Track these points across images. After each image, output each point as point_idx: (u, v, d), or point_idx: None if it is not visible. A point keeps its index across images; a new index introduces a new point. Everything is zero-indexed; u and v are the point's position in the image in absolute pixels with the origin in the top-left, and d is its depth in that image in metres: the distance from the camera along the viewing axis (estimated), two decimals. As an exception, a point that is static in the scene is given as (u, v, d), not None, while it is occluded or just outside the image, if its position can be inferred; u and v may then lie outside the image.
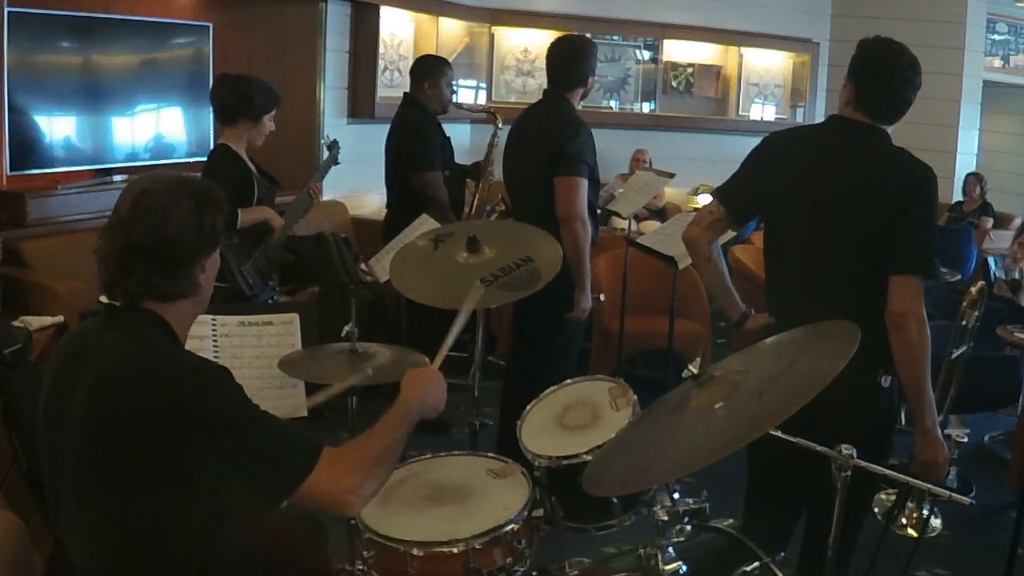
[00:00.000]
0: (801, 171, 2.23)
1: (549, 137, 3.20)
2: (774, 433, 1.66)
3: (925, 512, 2.01)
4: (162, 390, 1.45)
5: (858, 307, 2.02)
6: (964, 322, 2.66)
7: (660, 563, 1.73)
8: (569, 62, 3.28)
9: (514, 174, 3.49)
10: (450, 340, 1.94)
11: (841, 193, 2.15)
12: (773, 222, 2.35)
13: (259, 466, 1.48)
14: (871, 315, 2.05)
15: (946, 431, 2.12)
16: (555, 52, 3.32)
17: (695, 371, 1.68)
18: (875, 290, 2.10)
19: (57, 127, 4.35)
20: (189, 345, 1.67)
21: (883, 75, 2.15)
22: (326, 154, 3.80)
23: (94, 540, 1.54)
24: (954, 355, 2.70)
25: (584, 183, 3.17)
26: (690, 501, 1.76)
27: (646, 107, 7.50)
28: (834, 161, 2.18)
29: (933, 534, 2.00)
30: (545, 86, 3.41)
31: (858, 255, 2.14)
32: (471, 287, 2.11)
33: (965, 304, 2.64)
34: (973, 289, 2.67)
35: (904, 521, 2.01)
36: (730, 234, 3.13)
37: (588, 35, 7.04)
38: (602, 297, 3.65)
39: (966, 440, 2.11)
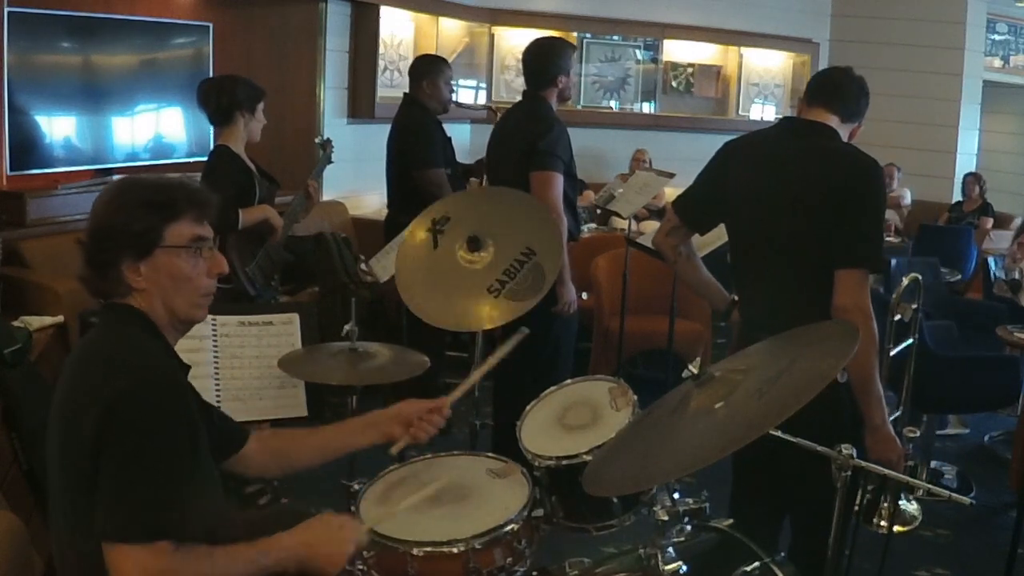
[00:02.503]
0: (753, 174, 2.27)
1: (523, 134, 3.28)
2: (774, 433, 1.66)
3: (902, 505, 2.00)
4: (107, 387, 1.41)
5: (818, 305, 2.06)
6: (899, 317, 2.57)
7: (660, 563, 1.72)
8: (537, 62, 3.36)
9: (494, 172, 3.58)
10: (471, 380, 1.92)
11: (790, 193, 2.17)
12: (732, 227, 2.40)
13: (109, 497, 1.40)
14: (828, 312, 2.08)
15: (899, 429, 2.11)
16: (526, 53, 3.42)
17: (695, 371, 1.68)
18: (830, 287, 2.11)
19: (57, 127, 4.35)
20: (189, 346, 1.65)
21: (828, 71, 2.39)
22: (320, 154, 3.81)
23: (72, 545, 1.49)
24: (892, 351, 2.62)
25: (559, 177, 3.24)
26: (690, 501, 1.76)
27: (646, 107, 7.51)
28: (782, 161, 2.21)
29: (915, 524, 2.00)
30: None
31: (811, 253, 2.16)
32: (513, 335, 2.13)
33: (895, 298, 2.56)
34: (905, 279, 2.59)
35: (884, 523, 2.00)
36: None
37: (588, 35, 7.21)
38: (584, 295, 3.69)
39: (917, 435, 2.10)
